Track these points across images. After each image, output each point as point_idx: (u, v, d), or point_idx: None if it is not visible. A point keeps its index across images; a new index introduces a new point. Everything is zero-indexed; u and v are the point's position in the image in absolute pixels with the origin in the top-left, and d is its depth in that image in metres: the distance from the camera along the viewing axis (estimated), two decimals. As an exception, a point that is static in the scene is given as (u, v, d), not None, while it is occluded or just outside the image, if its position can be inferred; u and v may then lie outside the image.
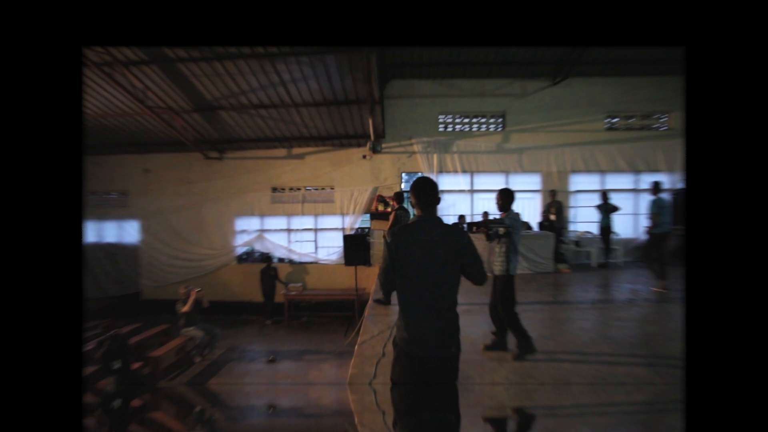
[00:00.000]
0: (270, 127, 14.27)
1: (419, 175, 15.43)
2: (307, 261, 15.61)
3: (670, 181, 15.05)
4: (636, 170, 15.23)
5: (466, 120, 15.54)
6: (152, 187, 15.80)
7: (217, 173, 15.57)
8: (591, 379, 5.49)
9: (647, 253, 10.70)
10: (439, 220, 3.51)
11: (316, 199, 15.53)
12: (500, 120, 15.49)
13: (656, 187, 10.46)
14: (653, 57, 14.33)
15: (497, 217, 6.29)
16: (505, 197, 6.25)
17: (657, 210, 10.29)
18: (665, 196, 10.52)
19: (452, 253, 3.42)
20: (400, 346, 3.54)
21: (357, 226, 15.46)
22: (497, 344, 6.45)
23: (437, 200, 3.56)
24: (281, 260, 15.80)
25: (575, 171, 15.21)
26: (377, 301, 8.95)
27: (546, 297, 10.09)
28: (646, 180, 15.04)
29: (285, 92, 12.47)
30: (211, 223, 15.50)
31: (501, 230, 6.15)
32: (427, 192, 3.50)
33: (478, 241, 12.02)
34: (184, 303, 11.23)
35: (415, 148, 15.04)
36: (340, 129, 14.52)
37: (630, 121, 15.66)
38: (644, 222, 12.16)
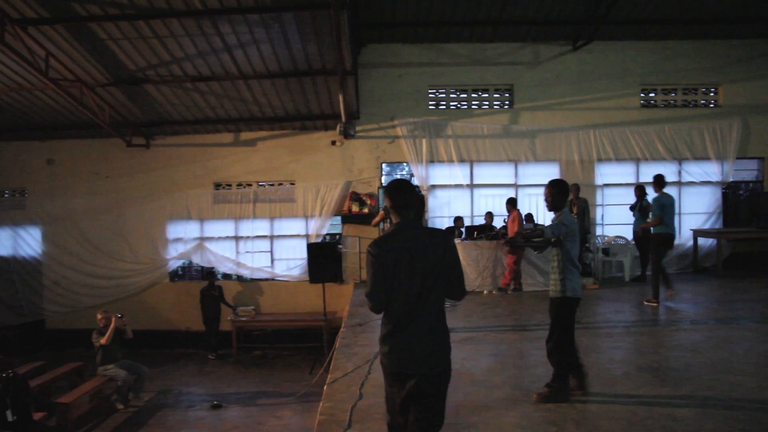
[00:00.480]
0: (211, 105, 14.21)
1: (402, 172, 15.58)
2: (261, 278, 15.59)
3: (721, 171, 15.32)
4: (679, 158, 15.48)
5: (464, 95, 15.64)
6: (58, 183, 15.65)
7: (144, 165, 15.48)
8: (626, 424, 5.54)
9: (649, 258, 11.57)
10: (420, 224, 4.11)
11: (272, 198, 15.53)
12: (507, 95, 15.63)
13: (659, 182, 11.14)
14: (697, 16, 14.55)
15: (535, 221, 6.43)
16: (557, 191, 6.29)
17: (658, 210, 10.92)
18: (668, 192, 11.23)
19: (438, 260, 4.03)
20: (386, 365, 4.14)
21: (325, 231, 15.47)
22: (556, 393, 6.18)
23: (414, 203, 4.10)
24: (227, 277, 15.74)
25: (603, 159, 15.41)
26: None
27: (567, 320, 10.20)
28: (691, 170, 15.35)
29: (230, 60, 12.41)
30: (136, 230, 15.40)
31: (537, 239, 6.26)
32: (402, 193, 4.12)
33: (477, 249, 12.13)
34: (102, 334, 11.13)
35: (399, 131, 15.10)
36: (302, 107, 14.51)
37: (670, 96, 15.89)
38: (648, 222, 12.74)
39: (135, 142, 15.26)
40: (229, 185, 15.60)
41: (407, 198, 4.12)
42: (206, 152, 15.45)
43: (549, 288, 6.40)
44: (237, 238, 15.58)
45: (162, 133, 15.36)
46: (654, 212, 11.16)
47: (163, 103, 14.08)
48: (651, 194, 11.73)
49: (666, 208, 10.94)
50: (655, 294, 10.99)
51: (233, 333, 14.72)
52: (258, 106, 14.34)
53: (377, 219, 9.44)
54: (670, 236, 11.04)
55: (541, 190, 14.77)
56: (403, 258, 4.03)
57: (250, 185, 15.59)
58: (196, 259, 15.60)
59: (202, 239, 15.48)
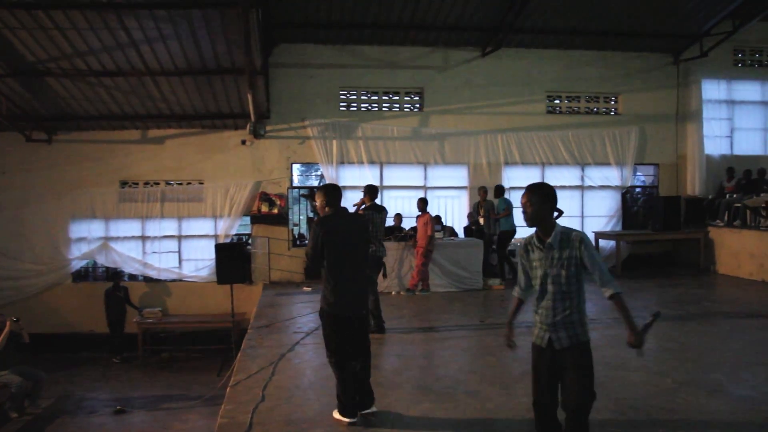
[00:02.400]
0: (117, 101, 13.82)
1: (317, 173, 15.53)
2: (168, 278, 15.27)
3: (620, 176, 15.95)
4: (581, 163, 16.06)
5: (375, 97, 15.74)
6: (-49, 179, 14.90)
7: (45, 161, 14.88)
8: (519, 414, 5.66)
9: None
10: (345, 210, 6.17)
11: (180, 197, 15.21)
12: (417, 98, 15.82)
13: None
14: (599, 28, 15.15)
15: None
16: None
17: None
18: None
19: (362, 233, 6.07)
20: (327, 311, 5.68)
21: (234, 232, 15.30)
22: None
23: (339, 199, 5.97)
24: (133, 278, 15.35)
25: (509, 163, 15.79)
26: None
27: (472, 320, 10.37)
28: (593, 175, 15.91)
29: (137, 56, 12.09)
30: (37, 229, 14.80)
31: None
32: (336, 192, 5.99)
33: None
34: (-5, 337, 10.63)
35: (309, 132, 15.07)
36: (211, 106, 14.31)
37: (573, 103, 16.44)
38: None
39: (35, 137, 14.65)
40: (136, 184, 15.19)
41: (338, 196, 5.95)
42: (112, 149, 14.98)
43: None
44: (144, 238, 15.18)
45: (65, 128, 14.79)
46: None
47: (66, 98, 13.58)
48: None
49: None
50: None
51: (139, 335, 14.34)
52: (166, 103, 14.03)
53: (359, 204, 9.79)
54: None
55: (451, 193, 15.31)
56: (340, 233, 5.74)
57: (157, 184, 15.22)
58: (101, 260, 15.11)
59: (107, 239, 14.99)
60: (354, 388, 5.74)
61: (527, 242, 4.36)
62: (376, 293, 9.42)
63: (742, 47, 16.86)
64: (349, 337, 5.72)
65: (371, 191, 9.78)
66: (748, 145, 16.94)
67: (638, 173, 16.96)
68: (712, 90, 16.60)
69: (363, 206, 9.85)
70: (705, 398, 6.24)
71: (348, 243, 5.77)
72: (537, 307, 4.31)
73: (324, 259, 5.70)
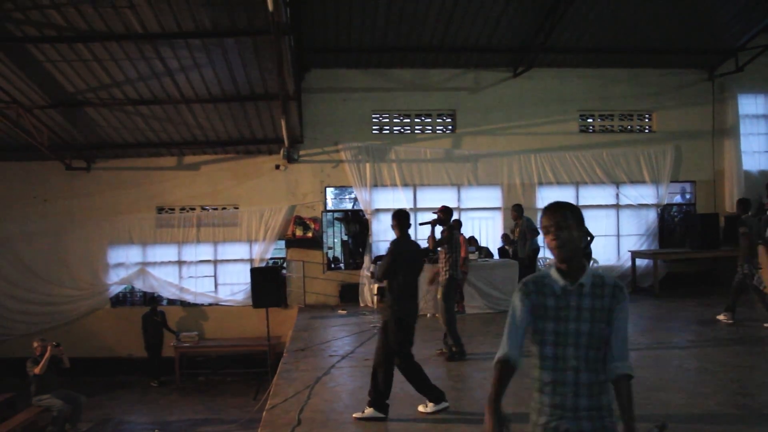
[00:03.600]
0: (154, 129, 14.03)
1: (349, 196, 15.59)
2: (205, 303, 15.35)
3: (656, 194, 15.72)
4: (616, 181, 15.86)
5: (407, 120, 15.77)
6: (-6, 207, 15.22)
7: (84, 189, 15.13)
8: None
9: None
10: (409, 236, 7.16)
11: (215, 222, 15.33)
12: (449, 120, 15.82)
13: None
14: (631, 45, 15.03)
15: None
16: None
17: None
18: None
19: (421, 255, 7.29)
20: (400, 318, 6.70)
21: (269, 256, 15.33)
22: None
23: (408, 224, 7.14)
24: (170, 302, 15.46)
25: (543, 183, 15.68)
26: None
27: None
28: (628, 193, 15.72)
29: (172, 84, 12.29)
30: (76, 255, 15.01)
31: None
32: (407, 222, 7.13)
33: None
34: (37, 363, 10.77)
35: (343, 155, 15.13)
36: (245, 132, 14.44)
37: (607, 121, 16.30)
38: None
39: (75, 165, 14.93)
40: (173, 209, 15.37)
41: (408, 222, 7.15)
42: (149, 176, 15.19)
43: None
44: (180, 263, 15.31)
45: (103, 156, 15.05)
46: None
47: (104, 126, 13.84)
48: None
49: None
50: None
51: (176, 359, 14.41)
52: (201, 129, 14.20)
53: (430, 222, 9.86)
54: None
55: (485, 214, 15.22)
56: (408, 255, 6.90)
57: (193, 209, 15.37)
58: (139, 285, 15.27)
59: (145, 264, 15.16)
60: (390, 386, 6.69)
61: (535, 281, 3.07)
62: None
63: (779, 61, 16.58)
64: (409, 341, 6.85)
65: (448, 213, 9.69)
66: (787, 160, 16.58)
67: (673, 191, 16.68)
68: (749, 105, 16.32)
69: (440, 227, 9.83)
70: (749, 420, 6.09)
71: (412, 263, 6.95)
72: (542, 382, 3.10)
73: (393, 276, 6.76)
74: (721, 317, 11.53)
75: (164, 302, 15.36)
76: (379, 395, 6.54)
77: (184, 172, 15.29)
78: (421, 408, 6.67)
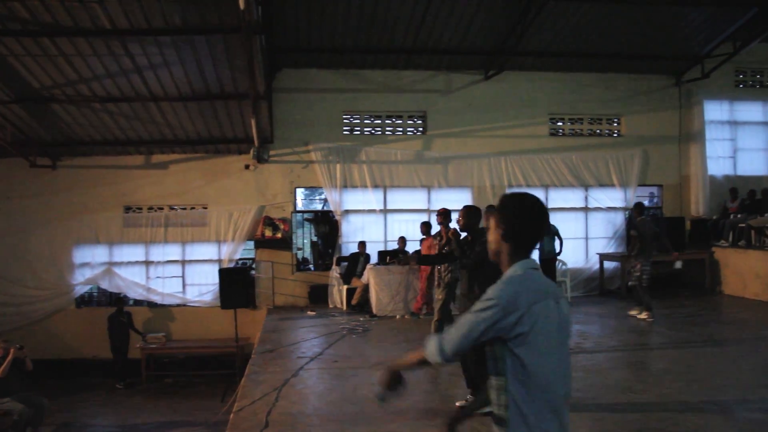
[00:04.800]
0: (121, 126, 13.83)
1: (320, 197, 15.52)
2: (172, 303, 15.16)
3: (624, 198, 15.90)
4: (584, 185, 16.02)
5: (378, 121, 15.75)
6: (-45, 205, 14.88)
7: (49, 187, 14.86)
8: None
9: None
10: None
11: (184, 222, 15.16)
12: (420, 122, 15.83)
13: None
14: (601, 50, 15.20)
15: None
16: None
17: None
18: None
19: None
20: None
21: (238, 256, 15.22)
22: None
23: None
24: (137, 303, 15.23)
25: (513, 185, 15.70)
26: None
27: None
28: (597, 196, 15.88)
29: (141, 82, 12.13)
30: (40, 254, 14.73)
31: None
32: (478, 215, 7.08)
33: (389, 274, 12.27)
34: (-2, 364, 10.51)
35: (313, 156, 15.06)
36: (214, 131, 14.31)
37: (576, 125, 16.48)
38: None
39: (40, 162, 14.65)
40: (140, 209, 15.16)
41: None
42: (116, 174, 14.97)
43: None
44: (147, 263, 15.12)
45: (69, 154, 14.79)
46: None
47: (71, 124, 13.60)
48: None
49: None
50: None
51: (143, 361, 14.25)
52: (170, 128, 14.03)
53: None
54: None
55: (454, 216, 15.01)
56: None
57: (161, 209, 15.19)
58: (105, 285, 15.03)
59: (111, 264, 14.93)
60: None
61: None
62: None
63: (743, 68, 16.88)
64: None
65: (448, 215, 9.59)
66: (751, 165, 16.89)
67: (641, 195, 16.87)
68: (714, 111, 16.59)
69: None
70: (713, 420, 6.16)
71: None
72: None
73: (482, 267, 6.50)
74: (641, 315, 12.04)
75: (131, 303, 15.12)
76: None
77: (152, 171, 15.10)
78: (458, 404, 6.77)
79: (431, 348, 2.57)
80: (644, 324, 11.66)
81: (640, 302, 12.22)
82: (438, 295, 9.05)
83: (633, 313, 12.33)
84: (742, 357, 9.04)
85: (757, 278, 13.97)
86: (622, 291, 14.92)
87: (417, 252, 13.04)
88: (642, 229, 11.97)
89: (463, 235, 7.35)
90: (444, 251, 8.25)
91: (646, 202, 16.99)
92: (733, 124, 16.84)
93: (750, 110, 16.97)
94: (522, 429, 2.43)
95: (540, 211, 2.66)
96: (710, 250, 15.43)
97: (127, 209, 15.13)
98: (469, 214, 7.06)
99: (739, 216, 15.11)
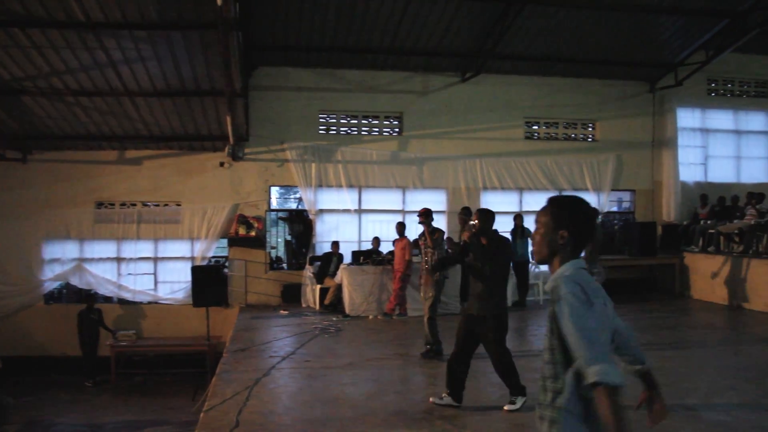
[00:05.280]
0: (95, 121, 13.65)
1: (294, 196, 15.44)
2: (144, 301, 15.00)
3: (597, 202, 16.01)
4: (558, 188, 16.11)
5: (354, 121, 15.73)
6: None
7: (19, 181, 14.64)
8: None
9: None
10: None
11: (157, 219, 15.01)
12: (396, 122, 15.84)
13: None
14: (577, 55, 15.32)
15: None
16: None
17: None
18: None
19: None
20: (506, 312, 6.83)
21: (211, 254, 15.11)
22: None
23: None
24: (107, 300, 15.06)
25: (488, 188, 15.82)
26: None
27: (450, 345, 10.21)
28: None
29: (115, 76, 11.99)
30: (8, 249, 14.50)
31: None
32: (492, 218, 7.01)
33: (363, 274, 12.27)
34: (-37, 361, 10.35)
35: (288, 155, 14.99)
36: (189, 128, 14.18)
37: (552, 129, 16.59)
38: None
39: (10, 155, 14.43)
40: (112, 204, 14.98)
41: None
42: (88, 169, 14.78)
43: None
44: (119, 260, 14.94)
45: (40, 147, 14.57)
46: None
47: (42, 117, 13.40)
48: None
49: None
50: None
51: (112, 358, 13.99)
52: (144, 124, 13.89)
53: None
54: None
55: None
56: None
57: (134, 205, 15.01)
58: (75, 281, 14.82)
59: (82, 260, 14.75)
60: None
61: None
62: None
63: (715, 77, 17.12)
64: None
65: (429, 215, 10.14)
66: (721, 172, 17.14)
67: (613, 199, 17.07)
68: (686, 118, 16.82)
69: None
70: (680, 423, 6.20)
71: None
72: None
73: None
74: None
75: (101, 300, 14.92)
76: (518, 379, 6.68)
77: (125, 166, 14.91)
78: (507, 407, 6.64)
79: (601, 374, 2.26)
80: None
81: None
82: (428, 292, 9.20)
83: None
84: (708, 360, 9.16)
85: (724, 283, 14.14)
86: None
87: (391, 262, 13.09)
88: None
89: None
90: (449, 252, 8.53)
91: (614, 208, 17.22)
92: (705, 131, 17.09)
93: (721, 118, 17.23)
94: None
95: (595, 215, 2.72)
96: (680, 255, 15.61)
97: (99, 205, 14.94)
98: (485, 217, 7.00)
99: (709, 222, 15.30)
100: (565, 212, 2.63)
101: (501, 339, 6.71)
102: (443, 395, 6.74)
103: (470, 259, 6.97)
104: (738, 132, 17.32)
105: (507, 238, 7.38)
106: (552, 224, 2.63)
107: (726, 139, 17.26)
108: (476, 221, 6.98)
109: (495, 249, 6.87)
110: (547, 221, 2.66)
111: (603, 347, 2.40)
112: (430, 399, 6.84)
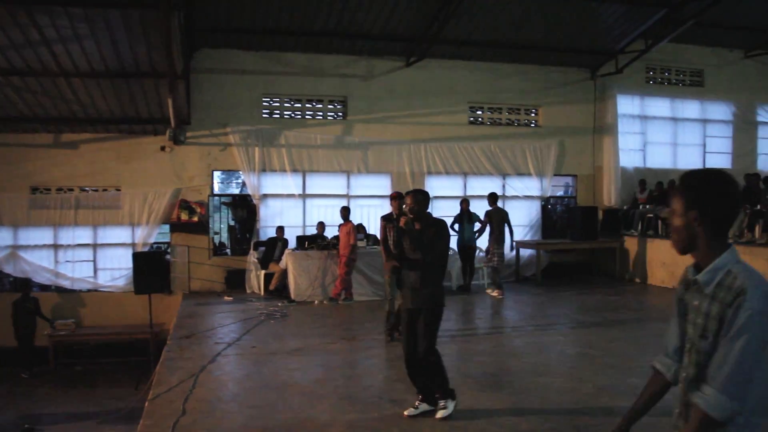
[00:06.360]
0: (28, 102, 13.16)
1: (237, 180, 15.19)
2: (83, 288, 14.63)
3: (540, 187, 16.24)
4: (502, 173, 16.33)
5: (298, 105, 15.57)
6: None
7: (-53, 166, 14.07)
8: (448, 429, 5.55)
9: None
10: None
11: (95, 204, 14.58)
12: (341, 106, 15.75)
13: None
14: (520, 42, 15.46)
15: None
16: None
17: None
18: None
19: None
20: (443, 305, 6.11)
21: (153, 240, 14.81)
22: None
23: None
24: (44, 288, 14.61)
25: (432, 173, 15.91)
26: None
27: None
28: (514, 185, 16.17)
29: (50, 55, 11.53)
30: (-64, 237, 13.98)
31: None
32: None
33: (308, 259, 12.20)
34: None
35: (231, 138, 14.75)
36: (129, 110, 13.80)
37: (495, 114, 16.74)
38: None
39: (-65, 139, 13.86)
40: (48, 190, 14.48)
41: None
42: (22, 153, 14.22)
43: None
44: (56, 247, 14.49)
45: (-32, 130, 14.02)
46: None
47: (-29, 98, 12.88)
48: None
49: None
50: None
51: (51, 348, 13.69)
52: (81, 106, 13.45)
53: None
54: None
55: (374, 202, 15.20)
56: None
57: (71, 190, 14.56)
58: (9, 269, 14.30)
59: (16, 247, 14.23)
60: None
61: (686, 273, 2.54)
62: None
63: (654, 66, 17.48)
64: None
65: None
66: (659, 158, 17.55)
67: (556, 184, 17.35)
68: (626, 105, 17.16)
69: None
70: (624, 401, 6.32)
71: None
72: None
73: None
74: (494, 293, 13.51)
75: (37, 288, 14.49)
76: (447, 382, 6.02)
77: (61, 150, 14.42)
78: (440, 414, 5.92)
79: (720, 410, 2.18)
80: (497, 301, 13.10)
81: (495, 283, 13.69)
82: (386, 274, 9.23)
83: (489, 291, 13.78)
84: (647, 341, 9.34)
85: (662, 266, 14.54)
86: (537, 277, 15.28)
87: (336, 247, 13.02)
88: (496, 217, 13.47)
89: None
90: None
91: (560, 193, 17.49)
92: (644, 118, 17.46)
93: (659, 105, 17.63)
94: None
95: (738, 187, 2.40)
96: (621, 239, 15.97)
97: (34, 190, 14.43)
98: (422, 200, 6.17)
99: (648, 207, 15.66)
100: (693, 191, 2.35)
101: (431, 335, 5.95)
102: (417, 403, 6.08)
103: (406, 246, 6.14)
104: (674, 119, 17.75)
105: (443, 221, 6.39)
106: (684, 206, 2.37)
107: (663, 125, 17.68)
108: (409, 204, 6.13)
109: (431, 234, 6.03)
110: (677, 204, 2.40)
111: (745, 389, 2.20)
112: (405, 413, 6.04)
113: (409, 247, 6.08)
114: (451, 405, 5.94)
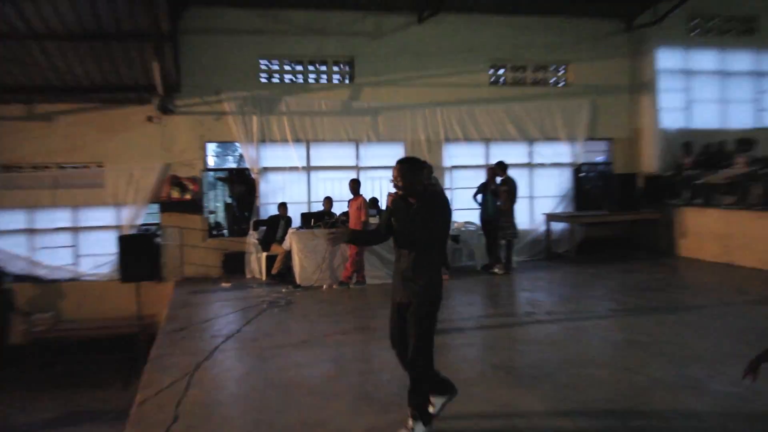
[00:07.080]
0: (-5, 70, 13.01)
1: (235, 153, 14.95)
2: (63, 278, 14.51)
3: (571, 152, 15.95)
4: (528, 138, 16.04)
5: (299, 68, 15.41)
6: None
7: None
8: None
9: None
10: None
11: (75, 183, 14.48)
12: (347, 68, 15.52)
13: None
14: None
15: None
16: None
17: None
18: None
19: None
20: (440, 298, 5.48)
21: (140, 222, 14.71)
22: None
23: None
24: (19, 279, 14.47)
25: (450, 140, 15.64)
26: None
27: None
28: (542, 151, 15.90)
29: (17, 16, 11.26)
30: None
31: None
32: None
33: (315, 239, 11.92)
34: None
35: (226, 106, 14.56)
36: (111, 77, 13.63)
37: (519, 73, 16.39)
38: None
39: None
40: (21, 168, 14.41)
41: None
42: (-9, 128, 14.22)
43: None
44: (32, 231, 14.44)
45: (-69, 103, 13.91)
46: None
47: (-69, 66, 12.70)
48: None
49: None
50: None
51: (27, 346, 13.56)
52: (56, 73, 13.27)
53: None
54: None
55: (386, 173, 14.89)
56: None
57: (48, 168, 14.46)
58: (-21, 258, 14.36)
59: (-13, 233, 14.24)
60: None
61: None
62: None
63: (698, 14, 16.99)
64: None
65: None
66: (705, 118, 17.07)
67: (590, 149, 17.04)
68: (667, 59, 16.69)
69: None
70: (684, 396, 6.00)
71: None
72: None
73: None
74: (495, 270, 13.54)
75: (10, 279, 14.36)
76: (427, 401, 5.43)
77: (35, 123, 14.28)
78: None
79: None
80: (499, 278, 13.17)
81: (500, 258, 13.70)
82: None
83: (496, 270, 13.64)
84: (705, 325, 8.97)
85: (714, 238, 14.18)
86: (571, 254, 14.98)
87: (345, 224, 12.90)
88: (512, 186, 13.53)
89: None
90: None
91: (597, 159, 17.16)
92: (687, 73, 16.99)
93: (704, 59, 17.14)
94: None
95: None
96: (665, 209, 15.63)
97: (6, 168, 14.35)
98: (410, 170, 5.28)
99: (695, 172, 15.25)
100: None
101: (423, 336, 5.28)
102: (431, 401, 5.54)
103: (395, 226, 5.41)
104: (723, 73, 17.26)
105: (439, 194, 5.88)
106: None
107: (710, 81, 17.19)
108: (397, 177, 5.27)
109: (425, 211, 5.24)
110: None
111: None
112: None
113: (399, 227, 5.35)
114: (419, 429, 5.25)
